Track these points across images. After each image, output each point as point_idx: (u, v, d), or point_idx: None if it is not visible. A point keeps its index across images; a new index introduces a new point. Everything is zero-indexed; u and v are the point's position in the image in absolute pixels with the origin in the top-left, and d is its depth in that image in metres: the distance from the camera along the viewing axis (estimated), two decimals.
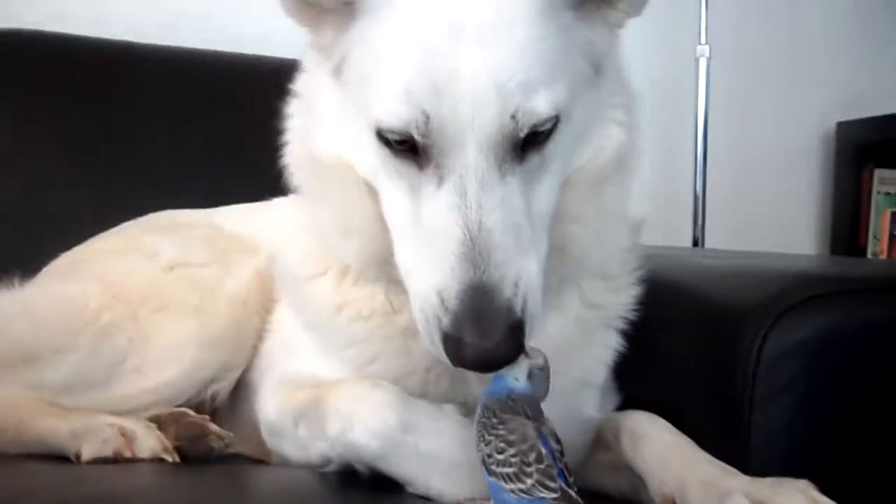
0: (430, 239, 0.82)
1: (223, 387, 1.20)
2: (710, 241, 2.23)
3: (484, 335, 0.76)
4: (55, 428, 1.06)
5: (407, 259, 0.86)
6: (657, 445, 0.92)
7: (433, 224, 0.82)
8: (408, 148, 0.83)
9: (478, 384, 0.94)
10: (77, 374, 1.14)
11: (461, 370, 0.92)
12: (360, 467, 0.91)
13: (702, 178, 2.21)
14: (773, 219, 2.49)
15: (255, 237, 1.32)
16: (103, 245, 1.33)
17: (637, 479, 0.93)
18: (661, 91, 2.30)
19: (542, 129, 0.83)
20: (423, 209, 0.83)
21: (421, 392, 0.97)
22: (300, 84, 1.02)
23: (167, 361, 1.16)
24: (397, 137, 0.83)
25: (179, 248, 1.26)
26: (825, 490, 0.79)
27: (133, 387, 1.15)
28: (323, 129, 0.95)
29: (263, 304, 1.23)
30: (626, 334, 1.06)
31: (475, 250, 0.79)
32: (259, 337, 1.22)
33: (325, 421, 0.91)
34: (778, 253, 1.50)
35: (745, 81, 2.46)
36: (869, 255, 2.37)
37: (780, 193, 2.52)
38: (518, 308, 0.78)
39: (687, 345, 1.06)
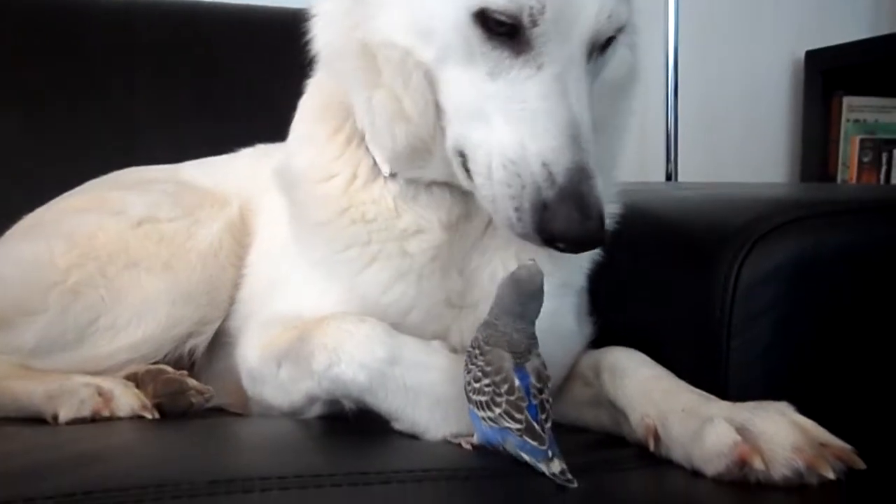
0: (533, 116, 0.84)
1: (200, 341, 1.19)
2: (683, 176, 2.24)
3: (586, 215, 0.81)
4: (30, 390, 1.05)
5: (484, 133, 0.87)
6: (637, 379, 0.93)
7: (537, 104, 0.84)
8: (506, 31, 0.84)
9: (459, 281, 0.99)
10: (48, 335, 1.12)
11: (450, 269, 0.98)
12: (346, 403, 0.91)
13: (673, 112, 2.21)
14: (743, 150, 2.49)
15: (222, 189, 1.30)
16: (68, 204, 1.30)
17: (619, 414, 0.93)
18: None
19: (618, 34, 0.89)
20: (519, 88, 0.85)
21: (414, 292, 0.98)
22: None
23: (141, 319, 1.15)
24: (504, 19, 0.83)
25: (147, 203, 1.23)
26: (804, 411, 0.80)
27: (107, 346, 1.14)
28: (381, 16, 0.93)
29: (237, 254, 1.21)
30: (608, 254, 1.06)
31: (580, 136, 0.83)
32: (235, 287, 1.21)
33: (311, 357, 0.91)
34: (752, 183, 1.50)
35: (713, 12, 2.43)
36: (839, 183, 2.38)
37: (750, 125, 2.52)
38: (602, 201, 0.83)
39: (663, 274, 1.06)
